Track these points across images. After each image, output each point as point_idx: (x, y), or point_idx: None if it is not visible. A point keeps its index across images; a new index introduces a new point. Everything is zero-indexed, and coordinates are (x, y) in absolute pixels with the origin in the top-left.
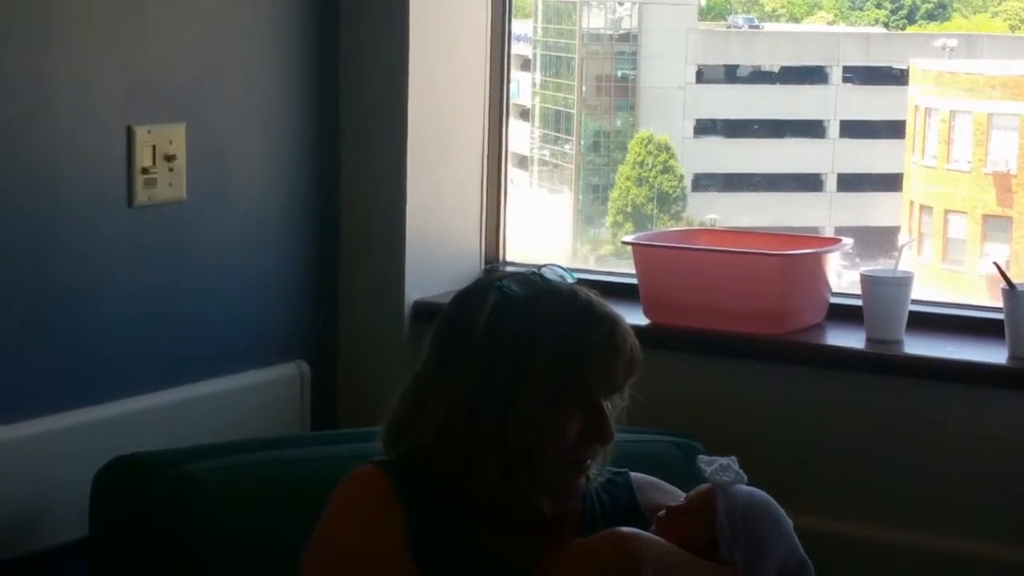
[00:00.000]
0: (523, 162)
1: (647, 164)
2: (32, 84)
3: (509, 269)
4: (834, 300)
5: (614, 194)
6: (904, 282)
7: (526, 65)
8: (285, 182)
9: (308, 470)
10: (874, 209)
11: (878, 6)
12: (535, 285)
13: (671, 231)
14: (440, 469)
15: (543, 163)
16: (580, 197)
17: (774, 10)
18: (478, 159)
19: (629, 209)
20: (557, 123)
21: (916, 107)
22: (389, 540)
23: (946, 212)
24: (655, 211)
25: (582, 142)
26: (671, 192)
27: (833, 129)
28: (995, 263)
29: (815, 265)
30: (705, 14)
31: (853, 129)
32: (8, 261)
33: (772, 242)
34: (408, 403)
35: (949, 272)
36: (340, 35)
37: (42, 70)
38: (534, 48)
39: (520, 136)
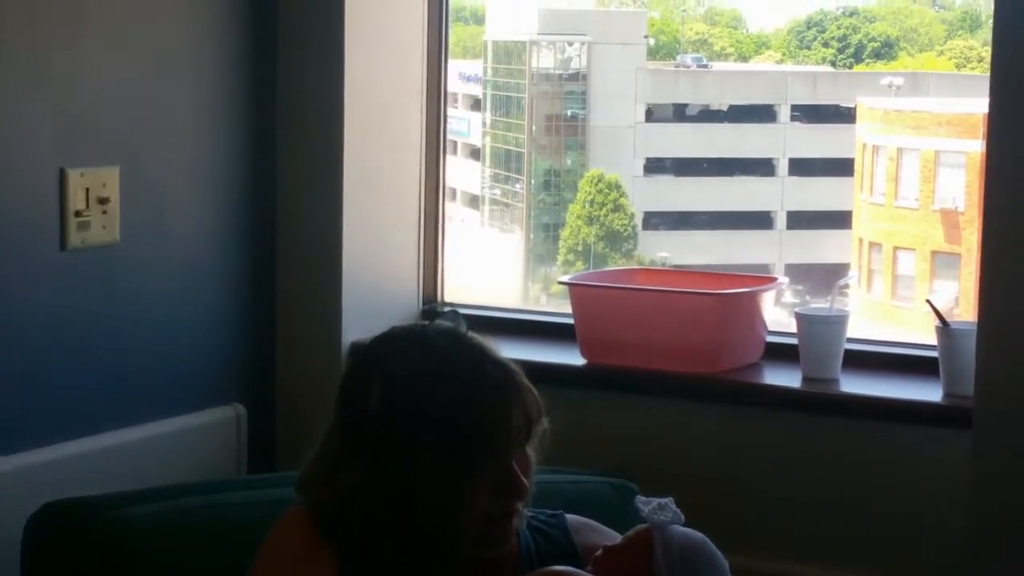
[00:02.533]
0: (474, 201)
1: (597, 203)
2: None
3: (395, 327)
4: (773, 339)
5: (565, 233)
6: (839, 321)
7: (476, 105)
8: (221, 224)
9: (242, 514)
10: (824, 246)
11: (825, 45)
12: (420, 350)
13: (609, 271)
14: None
15: (494, 202)
16: (531, 236)
17: (722, 49)
18: (415, 197)
19: (580, 248)
20: (508, 162)
21: (864, 145)
22: None
23: (895, 249)
24: (606, 249)
25: (533, 181)
26: (622, 230)
27: (782, 167)
28: (928, 301)
29: (751, 304)
30: (654, 54)
31: (802, 167)
32: None
33: (708, 281)
34: (318, 466)
35: (898, 309)
36: (276, 76)
37: None
38: (484, 88)
39: (471, 176)
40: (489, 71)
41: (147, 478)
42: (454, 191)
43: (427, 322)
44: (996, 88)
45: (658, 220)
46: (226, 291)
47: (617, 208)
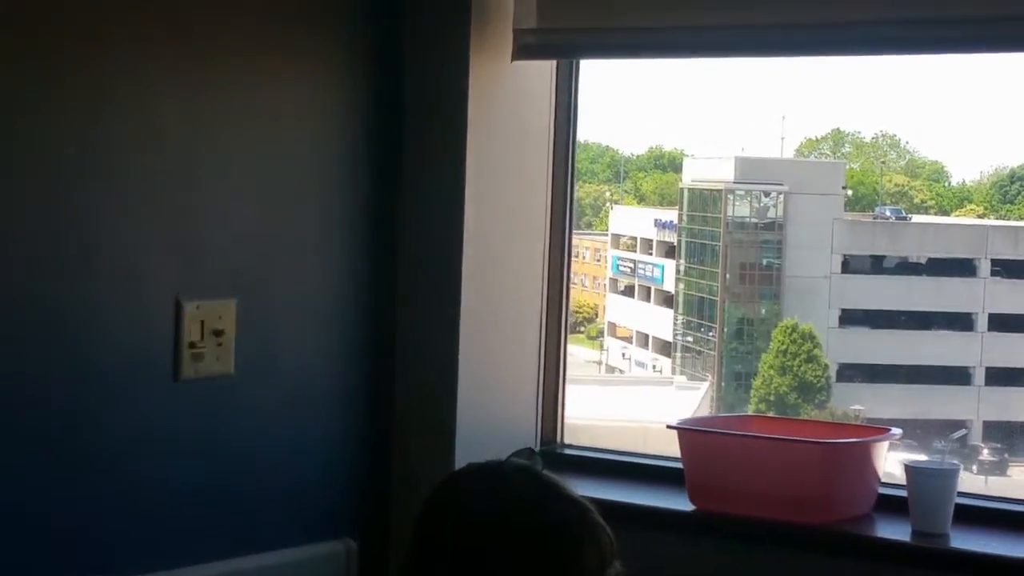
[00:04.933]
0: (666, 348)
1: (791, 353)
2: (80, 256)
3: (471, 463)
4: (889, 491)
5: (757, 382)
6: (950, 475)
7: (671, 252)
8: (336, 357)
9: None
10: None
11: None
12: (494, 488)
13: (722, 416)
14: None
15: (686, 349)
16: (723, 384)
17: (923, 202)
18: (536, 333)
19: (772, 398)
20: (700, 310)
21: None
22: None
23: None
24: (798, 400)
25: (725, 329)
26: (815, 381)
27: (981, 322)
28: None
29: (860, 455)
30: (852, 205)
31: (1002, 323)
32: (53, 427)
33: (821, 430)
34: None
35: None
36: (396, 208)
37: (89, 242)
38: (679, 235)
39: (664, 322)
40: (684, 218)
41: None
42: (646, 337)
43: (503, 459)
44: None
45: (853, 372)
46: (340, 424)
47: (811, 359)
